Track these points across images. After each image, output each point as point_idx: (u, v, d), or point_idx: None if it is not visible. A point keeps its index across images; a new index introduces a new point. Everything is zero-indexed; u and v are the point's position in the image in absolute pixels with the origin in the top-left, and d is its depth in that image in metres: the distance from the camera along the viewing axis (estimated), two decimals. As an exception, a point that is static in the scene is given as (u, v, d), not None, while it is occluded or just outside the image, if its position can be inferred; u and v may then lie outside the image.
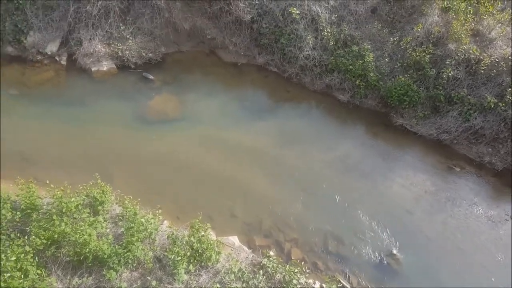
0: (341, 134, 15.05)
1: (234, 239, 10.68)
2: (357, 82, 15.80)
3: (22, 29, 14.66)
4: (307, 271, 10.42)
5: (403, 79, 15.42)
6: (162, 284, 8.63)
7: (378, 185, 13.16)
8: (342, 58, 15.97)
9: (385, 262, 11.07)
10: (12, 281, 7.40)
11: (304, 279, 9.98)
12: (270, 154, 13.50)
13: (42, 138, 12.19)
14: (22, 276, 7.65)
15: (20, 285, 7.51)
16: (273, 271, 9.71)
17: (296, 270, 9.87)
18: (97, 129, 12.88)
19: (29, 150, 11.71)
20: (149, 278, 8.68)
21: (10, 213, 8.66)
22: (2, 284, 7.35)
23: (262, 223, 11.45)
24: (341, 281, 10.47)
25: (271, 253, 10.49)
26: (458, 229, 12.28)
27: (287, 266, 9.98)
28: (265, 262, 9.86)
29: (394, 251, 11.25)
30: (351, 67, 15.76)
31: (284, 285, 9.49)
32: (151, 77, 15.33)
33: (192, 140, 13.34)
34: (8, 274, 7.43)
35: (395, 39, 16.34)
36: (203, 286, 8.91)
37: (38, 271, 7.97)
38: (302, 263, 10.61)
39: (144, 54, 15.65)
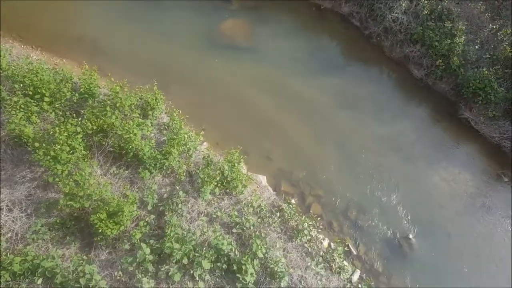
0: (402, 110, 14.45)
1: (263, 178, 11.07)
2: (437, 62, 14.75)
3: None
4: (321, 227, 10.78)
5: (486, 72, 14.19)
6: (187, 196, 9.29)
7: (420, 171, 12.83)
8: (431, 32, 14.87)
9: (397, 242, 11.15)
10: (61, 153, 8.15)
11: (316, 233, 10.36)
12: (325, 112, 13.36)
13: (115, 33, 12.73)
14: (70, 151, 8.41)
15: (67, 158, 8.26)
16: (289, 217, 10.12)
17: (310, 222, 10.25)
18: (166, 39, 13.23)
19: (101, 40, 12.25)
20: (177, 187, 9.35)
21: (69, 93, 9.32)
22: (52, 153, 8.12)
23: (293, 173, 11.72)
24: (350, 246, 10.76)
25: (293, 201, 10.86)
26: (482, 236, 11.93)
27: (304, 216, 10.36)
28: (284, 207, 10.26)
29: (410, 236, 11.25)
30: (436, 44, 14.67)
31: (295, 232, 9.93)
32: (232, -4, 15.13)
33: (253, 75, 13.40)
34: (59, 146, 8.14)
35: (494, 27, 14.82)
36: (222, 209, 9.50)
37: (84, 152, 8.71)
38: (318, 218, 10.94)
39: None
